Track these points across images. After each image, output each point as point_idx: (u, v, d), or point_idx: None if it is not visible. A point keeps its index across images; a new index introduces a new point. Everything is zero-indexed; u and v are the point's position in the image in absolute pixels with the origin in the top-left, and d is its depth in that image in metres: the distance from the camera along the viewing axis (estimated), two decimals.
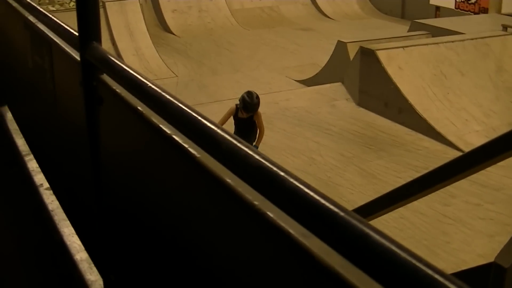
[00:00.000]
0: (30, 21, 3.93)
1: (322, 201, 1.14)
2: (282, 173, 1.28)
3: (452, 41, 12.66)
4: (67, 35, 3.21)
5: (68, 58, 3.10)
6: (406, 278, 0.96)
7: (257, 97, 8.38)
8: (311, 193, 1.17)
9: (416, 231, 7.88)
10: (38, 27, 3.73)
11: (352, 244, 1.05)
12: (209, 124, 1.66)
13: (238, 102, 8.39)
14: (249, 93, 8.37)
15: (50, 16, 3.64)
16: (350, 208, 3.61)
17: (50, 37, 3.49)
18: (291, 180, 1.25)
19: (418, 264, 0.96)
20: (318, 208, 1.13)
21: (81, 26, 2.70)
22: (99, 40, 2.69)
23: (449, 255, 7.21)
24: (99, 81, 2.62)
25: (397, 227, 7.80)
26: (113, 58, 2.48)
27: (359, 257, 1.03)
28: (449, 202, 8.40)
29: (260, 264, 1.47)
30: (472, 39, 12.93)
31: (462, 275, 3.14)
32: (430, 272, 0.94)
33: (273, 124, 10.97)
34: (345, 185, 8.89)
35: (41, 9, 3.92)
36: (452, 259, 6.92)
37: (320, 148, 10.09)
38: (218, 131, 1.61)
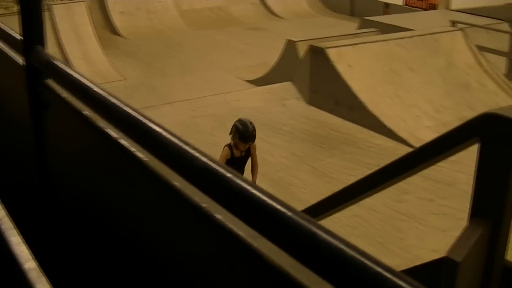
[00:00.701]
0: None
1: (269, 201, 1.14)
2: (229, 175, 1.28)
3: (402, 38, 12.80)
4: (11, 39, 3.16)
5: (11, 63, 3.05)
6: (355, 276, 0.96)
7: (251, 122, 7.38)
8: (258, 194, 1.17)
9: (370, 229, 7.95)
10: None
11: (300, 243, 1.05)
12: (155, 127, 1.65)
13: (228, 142, 7.39)
14: (241, 122, 7.32)
15: None
16: (302, 207, 3.63)
17: None
18: (238, 181, 1.25)
19: (366, 261, 0.97)
20: (265, 208, 1.13)
21: (25, 30, 2.67)
22: (43, 44, 2.65)
23: (404, 251, 7.29)
24: (44, 86, 2.59)
25: (351, 225, 7.85)
26: (57, 63, 2.45)
27: (308, 256, 1.03)
28: (402, 199, 8.49)
29: (211, 265, 1.47)
30: (421, 35, 13.08)
31: (415, 271, 3.18)
32: (379, 269, 0.95)
33: (225, 125, 10.94)
34: (297, 185, 8.92)
35: None
36: (406, 255, 6.99)
37: (272, 148, 10.10)
38: (165, 134, 1.60)
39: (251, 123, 7.31)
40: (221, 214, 1.33)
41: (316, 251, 1.02)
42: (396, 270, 2.62)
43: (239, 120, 7.32)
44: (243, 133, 7.22)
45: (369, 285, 0.94)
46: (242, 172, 7.33)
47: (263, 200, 1.15)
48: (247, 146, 7.37)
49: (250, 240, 1.19)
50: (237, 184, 1.25)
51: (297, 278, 1.05)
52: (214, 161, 1.37)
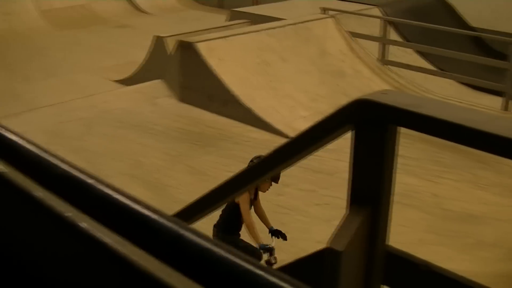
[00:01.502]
0: None
1: (134, 205, 1.12)
2: (90, 181, 1.24)
3: (273, 28, 12.95)
4: None
5: None
6: (225, 275, 0.95)
7: None
8: (122, 199, 1.15)
9: None
10: None
11: (168, 246, 1.03)
12: (11, 136, 1.59)
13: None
14: (261, 156, 6.66)
15: None
16: (179, 208, 3.59)
17: None
18: (101, 187, 1.22)
19: (236, 260, 0.96)
20: (130, 213, 1.11)
21: None
22: None
23: (288, 245, 7.38)
24: None
25: None
26: None
27: (176, 259, 1.02)
28: (282, 192, 8.59)
29: (80, 277, 1.43)
30: (292, 24, 13.28)
31: (299, 264, 3.21)
32: (249, 267, 0.95)
33: (94, 128, 10.78)
34: (174, 185, 8.88)
35: None
36: (291, 249, 7.08)
37: (145, 150, 10.02)
38: (21, 142, 1.54)
39: None
40: (86, 222, 1.29)
41: (184, 253, 1.00)
42: (283, 264, 2.62)
43: (261, 157, 6.52)
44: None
45: (240, 283, 0.93)
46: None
47: (128, 205, 1.13)
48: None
49: (117, 246, 1.16)
50: (100, 190, 1.22)
51: (168, 282, 1.03)
52: (75, 167, 1.33)
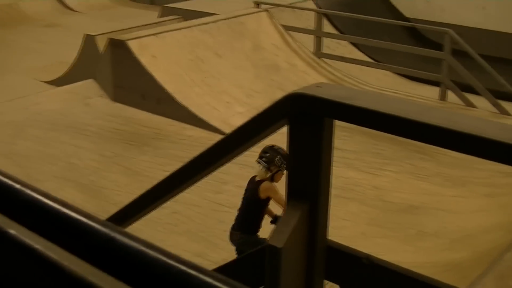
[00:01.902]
0: None
1: (63, 209, 1.11)
2: (17, 186, 1.23)
3: (206, 23, 12.93)
4: None
5: None
6: (158, 277, 0.95)
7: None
8: (51, 203, 1.14)
9: (192, 224, 8.01)
10: None
11: (100, 250, 1.03)
12: None
13: (262, 176, 6.41)
14: (281, 149, 6.37)
15: None
16: (116, 210, 3.56)
17: None
18: (29, 191, 1.21)
19: (170, 261, 0.96)
20: (59, 217, 1.10)
21: None
22: None
23: (229, 244, 7.39)
24: None
25: (171, 223, 7.88)
26: None
27: (109, 262, 1.01)
28: (221, 189, 8.61)
29: (10, 284, 1.41)
30: (225, 19, 13.28)
31: (241, 262, 3.23)
32: (183, 268, 0.95)
33: (25, 131, 10.61)
34: (110, 187, 8.81)
35: None
36: (232, 247, 7.09)
37: (79, 151, 9.91)
38: None
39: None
40: (14, 229, 1.27)
41: (117, 256, 1.00)
42: (222, 263, 2.62)
43: (277, 148, 6.41)
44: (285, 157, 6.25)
45: (173, 285, 0.93)
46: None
47: (57, 209, 1.12)
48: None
49: (48, 252, 1.14)
50: (28, 195, 1.20)
51: (101, 286, 1.02)
52: (1, 173, 1.31)
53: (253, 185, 6.52)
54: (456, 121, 2.25)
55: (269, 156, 6.34)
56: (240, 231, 6.57)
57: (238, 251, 6.62)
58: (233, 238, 6.62)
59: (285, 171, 5.54)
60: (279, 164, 6.36)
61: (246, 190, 6.63)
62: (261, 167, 6.41)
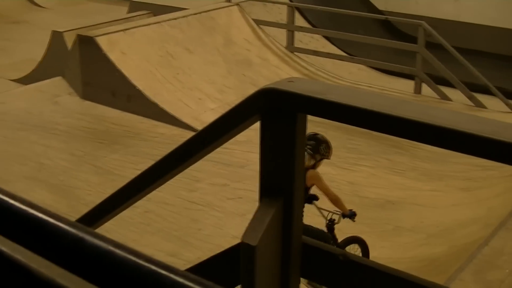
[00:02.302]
0: None
1: (30, 211, 1.10)
2: None
3: (175, 18, 12.89)
4: None
5: None
6: (128, 278, 0.95)
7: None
8: (18, 204, 1.13)
9: (165, 223, 7.99)
10: None
11: (69, 251, 1.02)
12: None
13: (308, 163, 6.37)
14: (321, 136, 6.55)
15: None
16: (87, 210, 3.55)
17: None
18: None
19: (139, 261, 0.96)
20: (26, 219, 1.10)
21: None
22: None
23: (203, 242, 7.41)
24: None
25: (144, 222, 7.86)
26: None
27: (79, 264, 1.01)
28: (194, 187, 8.60)
29: None
30: (195, 14, 13.24)
31: (214, 261, 3.22)
32: (153, 267, 0.95)
33: None
34: (81, 187, 8.77)
35: None
36: (206, 245, 7.11)
37: (48, 151, 9.86)
38: None
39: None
40: None
41: (86, 257, 1.00)
42: (196, 263, 2.62)
43: (320, 136, 6.50)
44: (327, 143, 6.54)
45: (144, 285, 0.93)
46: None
47: (24, 211, 1.11)
48: None
49: (15, 254, 1.14)
50: None
51: None
52: None
53: None
54: (430, 115, 2.26)
55: (314, 144, 6.40)
56: None
57: None
58: None
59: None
60: (323, 152, 6.47)
61: None
62: (306, 155, 6.37)
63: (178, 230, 7.87)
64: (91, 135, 10.49)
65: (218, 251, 3.21)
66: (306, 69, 13.76)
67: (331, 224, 6.78)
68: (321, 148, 6.42)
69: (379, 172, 9.44)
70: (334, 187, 8.87)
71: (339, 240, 6.80)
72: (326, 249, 2.92)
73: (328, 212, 6.77)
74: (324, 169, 9.14)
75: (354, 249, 7.01)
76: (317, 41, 15.72)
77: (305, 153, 6.42)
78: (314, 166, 6.46)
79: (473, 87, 12.74)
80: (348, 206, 6.77)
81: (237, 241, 2.79)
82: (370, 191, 8.90)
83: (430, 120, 2.20)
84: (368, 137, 9.88)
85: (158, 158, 3.15)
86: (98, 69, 11.52)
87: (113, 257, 0.97)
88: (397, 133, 2.35)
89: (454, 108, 11.90)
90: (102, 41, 11.48)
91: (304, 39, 15.29)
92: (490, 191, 8.89)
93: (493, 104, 12.56)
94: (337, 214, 6.69)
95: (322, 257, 2.92)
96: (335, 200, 6.60)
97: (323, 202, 6.59)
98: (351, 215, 6.72)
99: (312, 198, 6.60)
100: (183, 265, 3.39)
